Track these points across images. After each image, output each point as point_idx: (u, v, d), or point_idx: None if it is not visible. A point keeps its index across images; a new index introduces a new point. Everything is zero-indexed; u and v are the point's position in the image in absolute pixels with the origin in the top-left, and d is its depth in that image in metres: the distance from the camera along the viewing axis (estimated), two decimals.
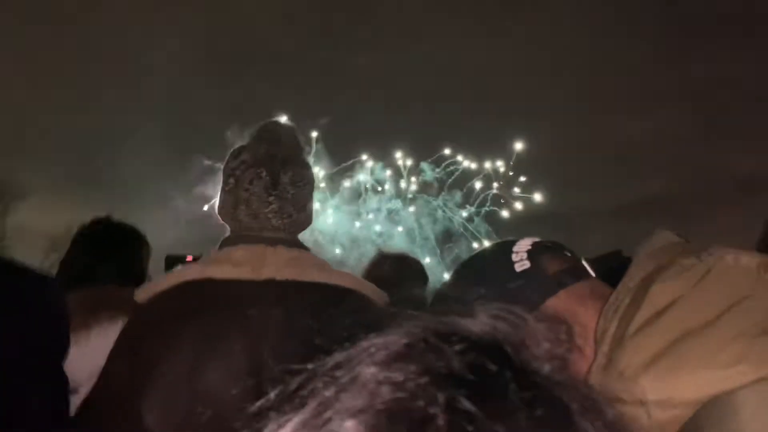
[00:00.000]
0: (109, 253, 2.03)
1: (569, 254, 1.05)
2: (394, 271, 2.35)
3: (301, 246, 1.36)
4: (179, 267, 1.94)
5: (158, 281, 1.31)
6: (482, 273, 1.06)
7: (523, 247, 1.04)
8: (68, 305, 1.38)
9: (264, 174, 1.34)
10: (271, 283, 1.25)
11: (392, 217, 24.71)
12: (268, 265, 1.27)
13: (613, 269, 1.00)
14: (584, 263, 1.04)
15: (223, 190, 1.37)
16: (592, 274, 1.02)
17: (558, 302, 0.98)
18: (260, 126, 1.42)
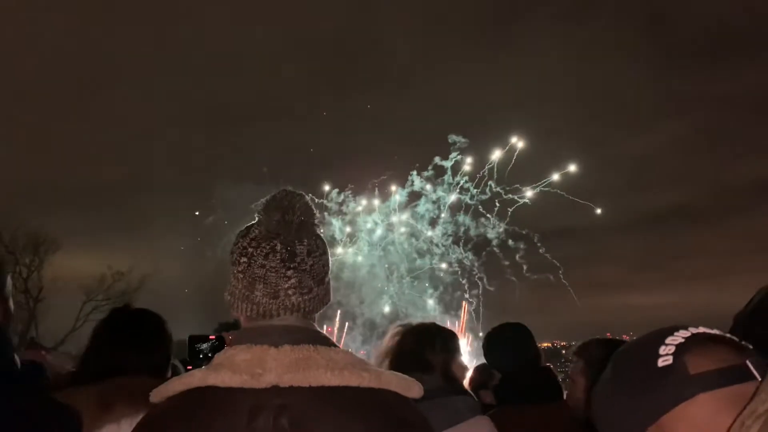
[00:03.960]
0: (132, 341, 2.04)
1: (736, 350, 0.92)
2: (418, 342, 2.35)
3: (313, 338, 1.24)
4: (205, 346, 2.10)
5: (170, 383, 1.25)
6: (627, 365, 0.99)
7: (676, 338, 0.94)
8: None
9: (279, 246, 1.25)
10: (273, 392, 1.16)
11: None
12: (270, 370, 1.17)
13: None
14: (750, 365, 0.90)
15: (234, 273, 1.28)
16: (758, 376, 0.88)
17: (694, 407, 0.88)
18: (270, 196, 1.32)
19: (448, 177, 24.69)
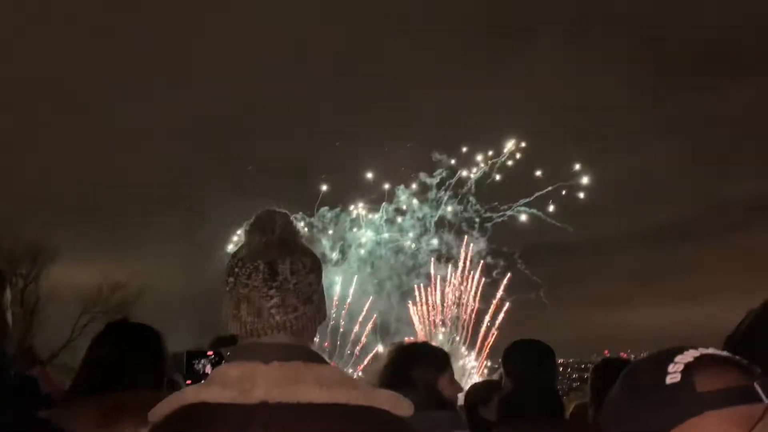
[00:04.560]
0: (129, 355, 2.03)
1: (744, 372, 0.92)
2: (405, 360, 2.36)
3: (304, 355, 1.25)
4: (202, 361, 2.09)
5: (166, 402, 1.28)
6: (635, 382, 0.99)
7: (685, 357, 0.94)
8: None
9: (261, 266, 1.26)
10: (262, 407, 1.17)
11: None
12: (258, 386, 1.18)
13: None
14: (758, 386, 0.90)
15: (225, 292, 1.30)
16: (765, 398, 0.88)
17: (700, 424, 0.88)
18: (253, 217, 1.35)
19: (432, 193, 24.99)
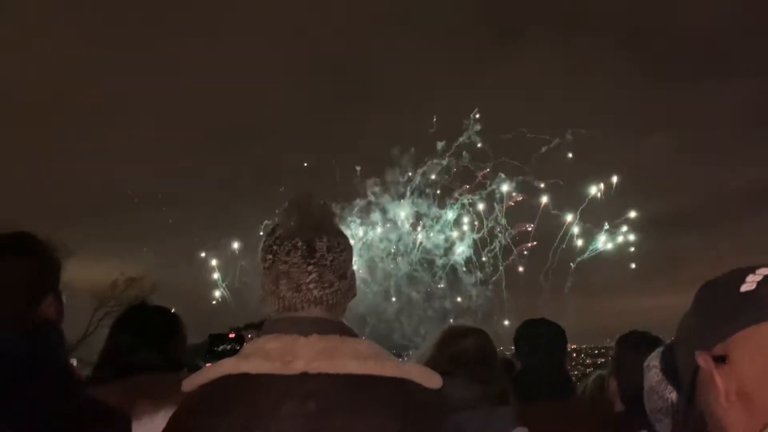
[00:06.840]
0: (149, 339, 2.05)
1: None
2: (479, 349, 2.18)
3: (340, 329, 1.32)
4: (224, 345, 2.13)
5: (201, 373, 1.33)
6: (711, 290, 0.99)
7: (766, 270, 0.94)
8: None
9: (300, 243, 1.33)
10: (303, 378, 1.23)
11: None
12: (299, 357, 1.24)
13: None
14: None
15: (263, 270, 1.37)
16: None
17: (765, 331, 0.88)
18: (290, 199, 1.43)
19: (398, 188, 24.76)
